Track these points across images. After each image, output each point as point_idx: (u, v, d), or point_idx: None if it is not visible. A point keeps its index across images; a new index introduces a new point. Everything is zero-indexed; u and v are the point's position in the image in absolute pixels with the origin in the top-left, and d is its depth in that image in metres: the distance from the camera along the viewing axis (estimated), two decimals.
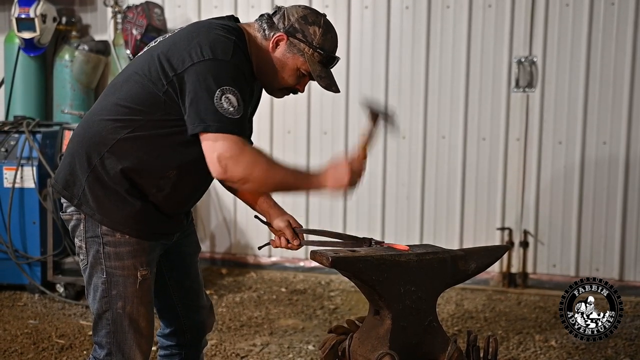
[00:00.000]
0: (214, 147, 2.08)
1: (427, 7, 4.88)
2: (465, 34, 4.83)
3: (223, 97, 2.07)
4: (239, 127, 2.10)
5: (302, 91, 2.37)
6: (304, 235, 2.48)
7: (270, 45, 2.26)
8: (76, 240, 2.27)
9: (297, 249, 2.48)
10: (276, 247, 2.49)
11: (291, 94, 2.39)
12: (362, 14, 5.00)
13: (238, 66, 2.14)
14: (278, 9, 2.30)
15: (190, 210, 2.49)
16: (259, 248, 2.69)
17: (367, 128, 2.29)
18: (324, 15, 2.30)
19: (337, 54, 2.33)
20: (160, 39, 2.31)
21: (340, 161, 2.23)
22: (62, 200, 2.29)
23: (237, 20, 2.35)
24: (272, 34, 2.26)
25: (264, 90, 2.44)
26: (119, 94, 2.22)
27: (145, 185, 2.22)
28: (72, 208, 2.25)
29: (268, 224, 2.51)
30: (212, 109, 2.06)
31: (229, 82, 2.09)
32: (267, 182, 2.15)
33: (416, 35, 4.92)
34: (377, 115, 2.28)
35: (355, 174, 2.23)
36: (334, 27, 2.32)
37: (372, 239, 2.43)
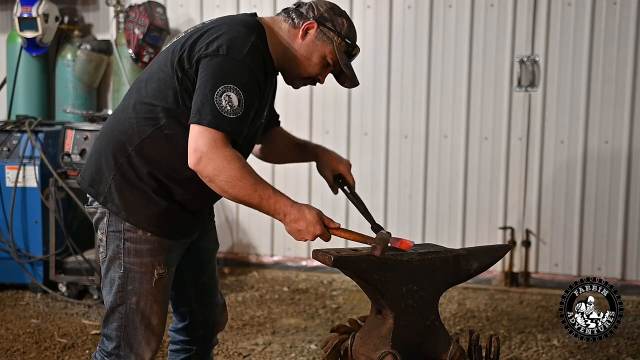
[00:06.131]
0: (197, 138, 2.08)
1: (429, 7, 4.88)
2: (468, 33, 4.83)
3: (224, 94, 2.08)
4: (232, 126, 2.09)
5: (322, 82, 2.39)
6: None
7: (300, 33, 2.29)
8: (98, 233, 2.30)
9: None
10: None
11: (309, 85, 2.41)
12: (364, 14, 5.00)
13: (250, 67, 2.14)
14: (303, 3, 2.36)
15: (212, 205, 2.50)
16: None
17: (369, 242, 2.22)
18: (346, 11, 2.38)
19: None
20: (182, 33, 2.34)
21: (316, 217, 2.18)
22: (88, 195, 2.32)
23: (255, 16, 2.36)
24: (301, 22, 2.29)
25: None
26: (143, 92, 2.25)
27: (172, 186, 2.24)
28: (97, 202, 2.28)
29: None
30: (210, 104, 2.07)
31: (235, 82, 2.10)
32: (229, 191, 2.11)
33: (418, 34, 4.92)
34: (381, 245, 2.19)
35: (315, 236, 2.18)
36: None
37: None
